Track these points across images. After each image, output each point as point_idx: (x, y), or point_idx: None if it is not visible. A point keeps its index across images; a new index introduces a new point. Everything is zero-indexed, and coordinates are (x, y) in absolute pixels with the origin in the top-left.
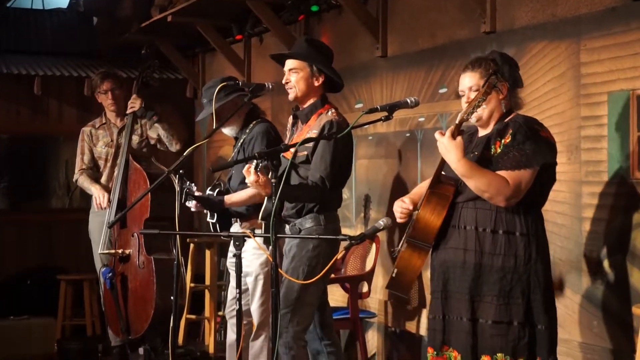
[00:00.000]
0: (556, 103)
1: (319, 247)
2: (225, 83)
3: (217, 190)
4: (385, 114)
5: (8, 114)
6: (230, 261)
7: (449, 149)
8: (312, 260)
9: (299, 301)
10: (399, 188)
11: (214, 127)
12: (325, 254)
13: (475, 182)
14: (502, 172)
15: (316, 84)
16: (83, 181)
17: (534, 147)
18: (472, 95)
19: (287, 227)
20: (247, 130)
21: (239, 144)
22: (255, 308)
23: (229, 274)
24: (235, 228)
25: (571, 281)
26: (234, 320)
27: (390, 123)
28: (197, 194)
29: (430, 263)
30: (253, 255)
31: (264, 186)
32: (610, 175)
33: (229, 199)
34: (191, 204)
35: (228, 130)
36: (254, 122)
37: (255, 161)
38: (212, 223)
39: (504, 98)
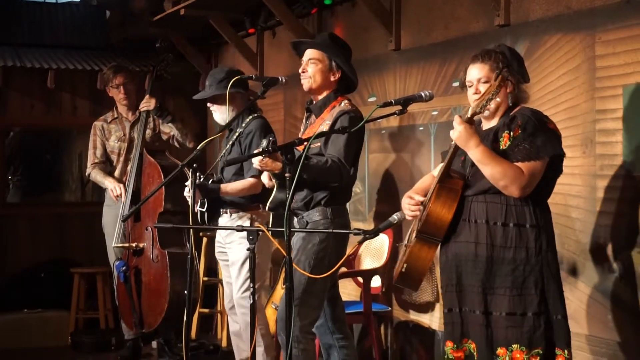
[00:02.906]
0: (571, 96)
1: (325, 240)
2: (239, 77)
3: (210, 180)
4: (400, 107)
5: (22, 107)
6: (220, 251)
7: (469, 135)
8: (318, 253)
9: (305, 295)
10: (412, 182)
11: (226, 123)
12: (332, 248)
13: (492, 170)
14: (515, 163)
15: (332, 78)
16: (96, 175)
17: (543, 138)
18: (482, 87)
19: (295, 219)
20: (244, 125)
21: (234, 136)
22: (238, 297)
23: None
24: (225, 219)
25: (586, 275)
26: (234, 310)
27: (403, 117)
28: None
29: (440, 257)
30: (240, 244)
31: (270, 167)
32: (625, 168)
33: (225, 187)
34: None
35: (219, 117)
36: (251, 117)
37: (263, 146)
38: (200, 212)
39: (512, 92)
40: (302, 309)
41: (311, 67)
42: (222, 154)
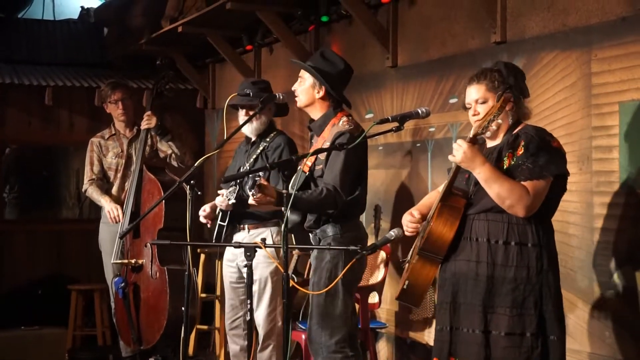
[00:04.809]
0: (567, 113)
1: (337, 257)
2: (236, 94)
3: (237, 193)
4: (397, 124)
5: (19, 124)
6: (231, 270)
7: (473, 154)
8: (330, 271)
9: (327, 315)
10: (410, 198)
11: (225, 137)
12: (344, 264)
13: (498, 189)
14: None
15: (317, 95)
16: (92, 192)
17: (547, 157)
18: (480, 108)
19: (311, 236)
20: (268, 139)
21: (259, 150)
22: (261, 318)
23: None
24: (242, 235)
25: (582, 292)
26: (235, 332)
27: (400, 133)
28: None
29: (438, 275)
30: (264, 264)
31: (265, 201)
32: (621, 185)
33: None
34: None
35: (250, 127)
36: (275, 132)
37: (250, 182)
38: (219, 225)
39: (511, 109)
40: (327, 328)
41: (298, 86)
42: (246, 166)
